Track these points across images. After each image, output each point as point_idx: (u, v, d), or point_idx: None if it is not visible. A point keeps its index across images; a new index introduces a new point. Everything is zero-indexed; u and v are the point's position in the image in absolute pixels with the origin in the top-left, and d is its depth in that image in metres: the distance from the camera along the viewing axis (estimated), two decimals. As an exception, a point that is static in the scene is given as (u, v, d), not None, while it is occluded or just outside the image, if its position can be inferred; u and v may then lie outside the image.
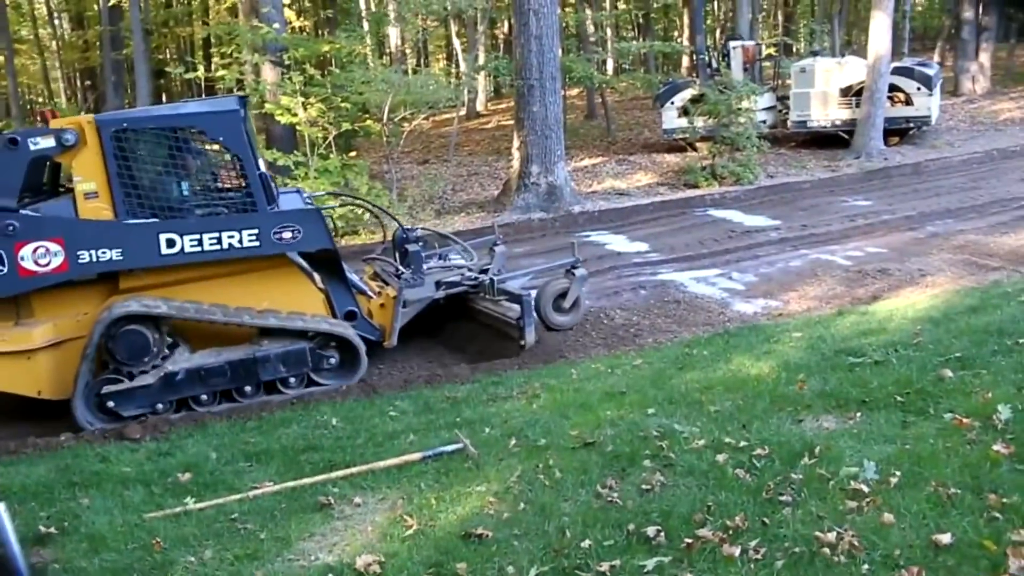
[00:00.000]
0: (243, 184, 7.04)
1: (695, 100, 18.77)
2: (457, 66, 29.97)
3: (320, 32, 26.63)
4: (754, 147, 16.95)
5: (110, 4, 25.05)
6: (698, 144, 18.51)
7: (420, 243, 8.37)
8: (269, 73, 15.43)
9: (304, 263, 7.63)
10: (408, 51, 28.65)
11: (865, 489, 4.11)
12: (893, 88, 18.73)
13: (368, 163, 16.33)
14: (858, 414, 5.11)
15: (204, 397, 7.08)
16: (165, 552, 4.29)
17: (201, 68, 16.76)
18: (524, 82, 14.70)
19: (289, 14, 18.93)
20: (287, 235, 7.10)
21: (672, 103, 19.86)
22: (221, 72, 15.52)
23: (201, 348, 7.24)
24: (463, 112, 27.29)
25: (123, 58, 26.22)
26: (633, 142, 22.45)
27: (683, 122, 19.13)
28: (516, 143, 15.27)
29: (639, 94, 28.93)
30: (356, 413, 6.42)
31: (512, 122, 16.41)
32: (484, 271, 8.53)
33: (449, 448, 5.21)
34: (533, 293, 8.17)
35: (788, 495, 4.14)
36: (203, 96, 20.68)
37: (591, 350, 7.93)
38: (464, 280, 8.28)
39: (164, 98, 29.99)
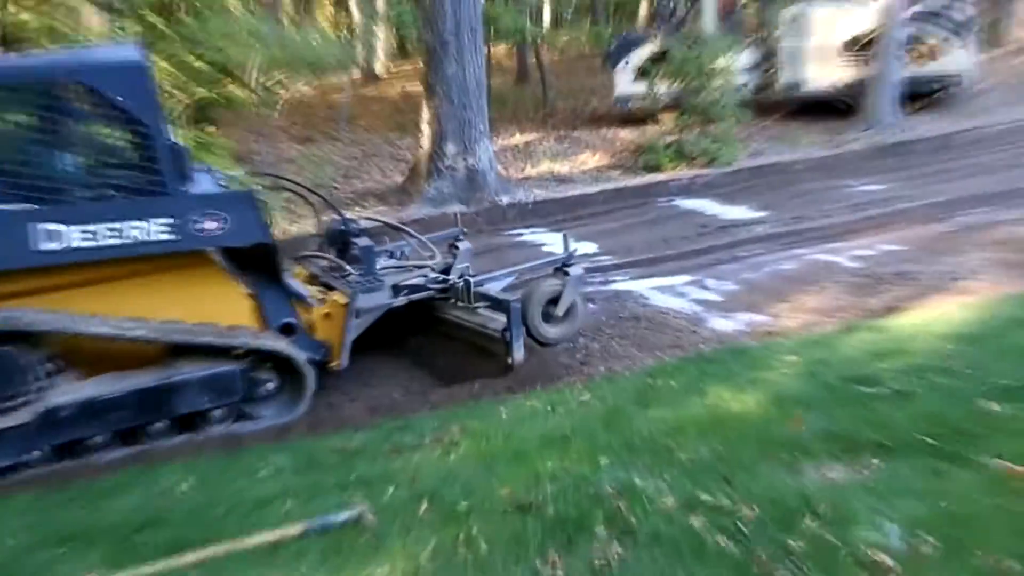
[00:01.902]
0: (150, 158, 6.95)
1: (656, 59, 18.98)
2: (349, 17, 29.83)
3: (165, -30, 26.24)
4: (733, 118, 17.19)
5: None
6: (660, 115, 18.70)
7: (366, 236, 8.56)
8: (93, 20, 15.12)
9: (224, 262, 7.69)
10: (283, -4, 28.46)
11: (888, 562, 4.13)
12: (914, 39, 19.13)
13: (233, 141, 16.10)
14: (875, 461, 5.14)
15: (99, 439, 6.99)
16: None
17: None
18: (436, 37, 14.67)
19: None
20: (211, 226, 7.06)
21: (627, 63, 20.05)
22: (24, 15, 15.14)
23: (95, 374, 7.16)
24: (357, 76, 27.15)
25: None
26: (577, 113, 22.62)
27: (641, 87, 19.31)
28: (426, 115, 15.24)
29: (585, 51, 29.16)
30: (214, 474, 6.28)
31: (420, 88, 16.36)
32: (446, 271, 8.76)
33: (340, 517, 5.13)
34: (518, 298, 8.37)
35: (785, 570, 4.15)
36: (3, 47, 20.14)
37: (526, 383, 7.91)
38: (429, 283, 8.49)
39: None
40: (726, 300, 9.91)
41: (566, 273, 8.71)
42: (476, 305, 8.43)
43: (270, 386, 7.53)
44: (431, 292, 8.51)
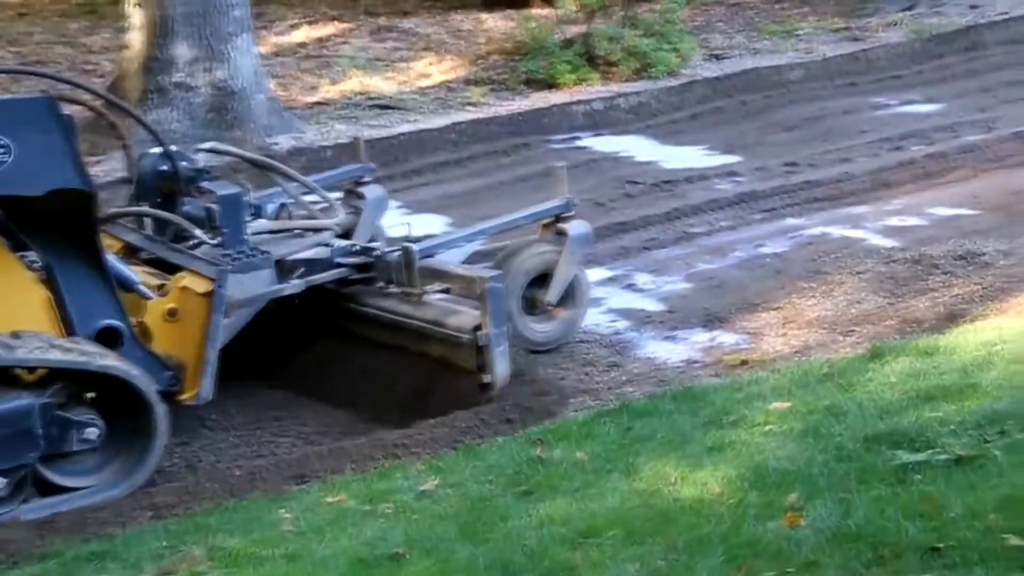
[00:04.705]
0: None
1: None
2: None
3: None
4: (679, -8, 17.42)
5: None
6: (555, -9, 18.79)
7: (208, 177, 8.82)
8: None
9: None
10: None
11: None
12: None
13: None
14: (924, 578, 5.28)
15: None
16: None
17: None
18: None
19: None
20: None
21: None
22: None
23: None
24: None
25: None
26: (409, -13, 22.64)
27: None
28: (135, -8, 15.11)
29: None
30: None
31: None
32: (348, 235, 9.14)
33: None
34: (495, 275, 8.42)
35: None
36: None
37: (325, 461, 7.92)
38: (338, 255, 8.67)
39: None
40: (670, 309, 10.06)
41: (561, 232, 8.93)
42: (423, 290, 8.56)
43: (91, 433, 7.47)
44: (344, 270, 8.68)
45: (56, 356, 7.35)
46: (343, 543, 6.37)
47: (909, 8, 18.96)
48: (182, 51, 14.85)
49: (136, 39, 15.11)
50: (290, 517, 6.91)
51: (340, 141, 14.99)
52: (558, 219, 9.12)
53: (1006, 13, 18.80)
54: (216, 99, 14.95)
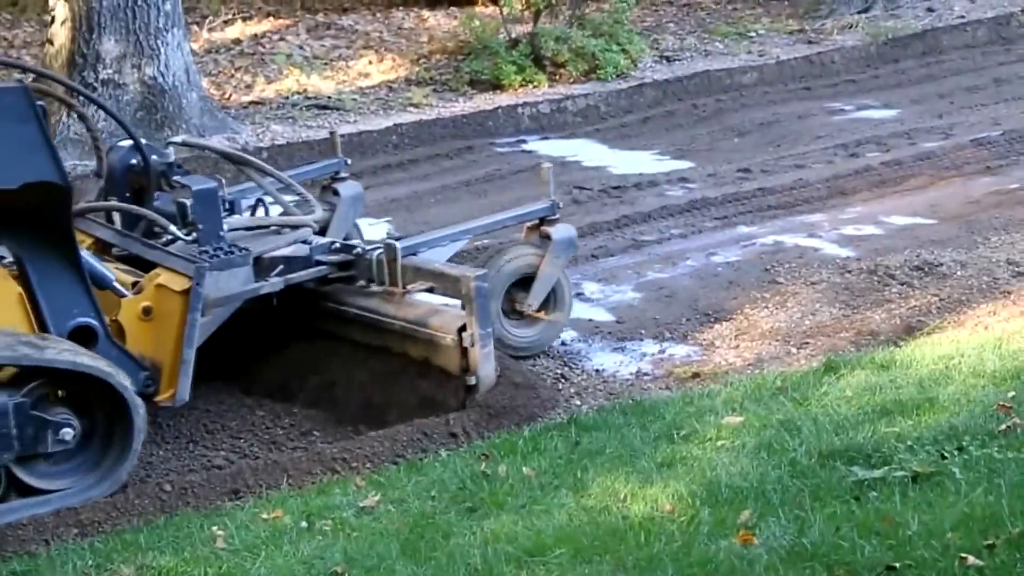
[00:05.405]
0: None
1: None
2: None
3: None
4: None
5: None
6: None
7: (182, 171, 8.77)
8: None
9: None
10: None
11: None
12: None
13: None
14: (880, 599, 5.29)
15: None
16: None
17: None
18: None
19: None
20: None
21: None
22: None
23: None
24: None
25: None
26: (350, -18, 22.59)
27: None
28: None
29: None
30: None
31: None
32: (324, 231, 9.10)
33: None
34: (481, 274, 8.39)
35: None
36: None
37: (261, 475, 7.89)
38: (318, 253, 8.67)
39: None
40: (619, 319, 10.07)
41: (546, 236, 8.95)
42: (406, 289, 8.56)
43: (67, 434, 7.39)
44: (324, 268, 8.67)
45: (85, 361, 7.35)
46: (279, 562, 6.35)
47: (865, 10, 19.02)
48: (109, 46, 14.73)
49: (60, 33, 15.01)
50: (223, 534, 6.86)
51: (277, 142, 14.96)
52: (543, 222, 9.15)
53: (963, 17, 18.88)
54: (146, 97, 14.86)
